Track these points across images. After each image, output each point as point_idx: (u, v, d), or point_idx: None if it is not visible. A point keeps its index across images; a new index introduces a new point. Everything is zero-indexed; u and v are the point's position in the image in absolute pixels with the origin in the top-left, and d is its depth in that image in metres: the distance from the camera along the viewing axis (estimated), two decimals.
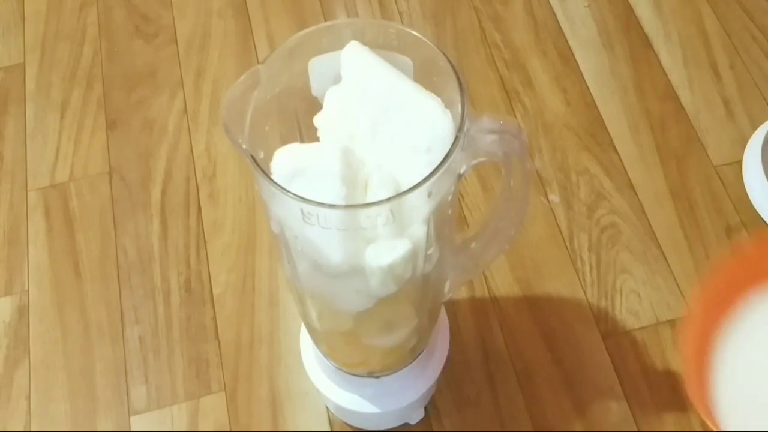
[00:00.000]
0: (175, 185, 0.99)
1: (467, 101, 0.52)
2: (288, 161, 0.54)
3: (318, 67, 0.58)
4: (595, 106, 1.03)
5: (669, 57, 1.07)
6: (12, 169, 1.01)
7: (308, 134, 0.58)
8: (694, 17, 1.10)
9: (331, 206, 0.49)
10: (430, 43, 0.56)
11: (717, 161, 0.98)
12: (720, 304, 0.52)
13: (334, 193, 0.51)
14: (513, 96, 1.04)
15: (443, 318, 0.79)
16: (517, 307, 0.89)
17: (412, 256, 0.54)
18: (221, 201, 0.98)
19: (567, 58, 1.07)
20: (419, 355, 0.73)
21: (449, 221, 0.60)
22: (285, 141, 0.57)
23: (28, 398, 0.86)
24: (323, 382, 0.77)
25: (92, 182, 0.99)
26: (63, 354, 0.88)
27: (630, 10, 1.11)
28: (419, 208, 0.52)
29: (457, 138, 0.51)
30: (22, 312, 0.91)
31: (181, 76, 1.08)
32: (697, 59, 1.07)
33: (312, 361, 0.78)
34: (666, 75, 1.05)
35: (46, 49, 1.11)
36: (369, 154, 0.54)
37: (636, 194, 0.96)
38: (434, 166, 0.50)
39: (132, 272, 0.93)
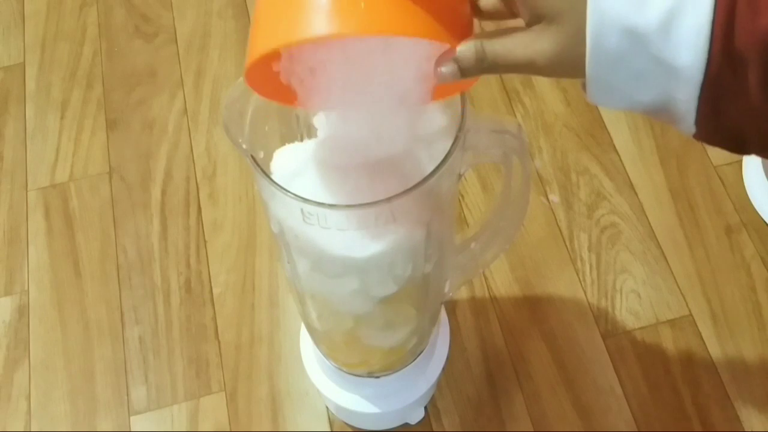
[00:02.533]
0: (175, 185, 0.99)
1: (467, 101, 0.52)
2: (288, 161, 0.54)
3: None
4: (595, 106, 1.03)
5: None
6: (12, 169, 1.01)
7: (308, 134, 0.58)
8: None
9: (331, 206, 0.49)
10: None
11: (717, 161, 0.98)
12: None
13: (333, 193, 0.51)
14: (513, 96, 1.04)
15: (443, 318, 0.79)
16: (517, 307, 0.89)
17: (412, 255, 0.54)
18: (221, 201, 0.98)
19: None
20: (419, 355, 0.73)
21: (449, 221, 0.60)
22: (285, 141, 0.56)
23: (28, 398, 0.86)
24: (323, 382, 0.77)
25: (92, 182, 0.99)
26: (63, 354, 0.88)
27: None
28: (419, 207, 0.52)
29: (457, 137, 0.51)
30: (22, 312, 0.91)
31: (181, 76, 1.08)
32: None
33: (312, 361, 0.78)
34: None
35: (46, 49, 1.11)
36: (369, 156, 0.54)
37: (636, 194, 0.96)
38: (435, 161, 0.50)
39: (132, 272, 0.93)
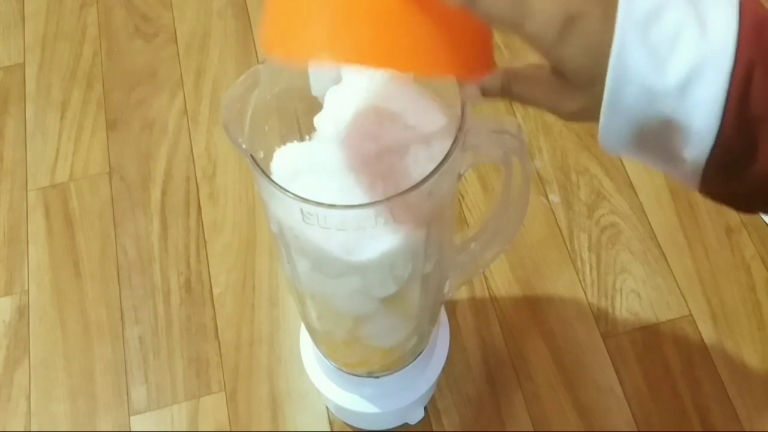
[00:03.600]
0: (175, 185, 0.99)
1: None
2: (288, 161, 0.54)
3: (318, 67, 0.57)
4: None
5: None
6: (12, 169, 1.01)
7: (308, 134, 0.58)
8: None
9: (331, 206, 0.49)
10: None
11: None
12: None
13: (333, 193, 0.51)
14: None
15: (443, 318, 0.79)
16: (517, 307, 0.89)
17: (412, 255, 0.54)
18: (221, 201, 0.98)
19: None
20: (419, 355, 0.73)
21: (449, 221, 0.60)
22: (285, 141, 0.56)
23: (28, 398, 0.86)
24: (323, 382, 0.77)
25: (92, 182, 0.99)
26: (63, 354, 0.88)
27: None
28: (419, 207, 0.52)
29: (456, 137, 0.51)
30: (22, 312, 0.91)
31: (181, 76, 1.08)
32: None
33: (312, 361, 0.78)
34: None
35: (46, 49, 1.11)
36: (369, 155, 0.54)
37: (636, 194, 0.96)
38: (435, 161, 0.50)
39: (132, 272, 0.93)
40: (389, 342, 0.66)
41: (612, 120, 0.40)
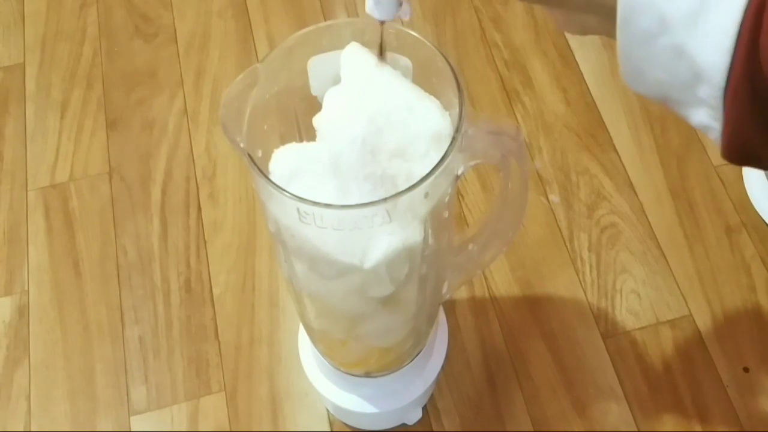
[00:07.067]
0: (175, 185, 0.99)
1: (465, 102, 0.52)
2: (287, 161, 0.54)
3: (317, 66, 0.58)
4: (595, 106, 1.03)
5: None
6: (12, 169, 1.01)
7: (307, 134, 0.58)
8: None
9: (327, 206, 0.49)
10: (429, 44, 0.56)
11: (717, 161, 0.98)
12: None
13: (331, 193, 0.51)
14: (513, 96, 1.04)
15: (441, 318, 0.79)
16: (517, 307, 0.89)
17: (409, 256, 0.54)
18: (221, 201, 0.98)
19: (567, 58, 1.07)
20: (417, 355, 0.73)
21: (447, 222, 0.60)
22: (284, 140, 0.57)
23: (28, 398, 0.86)
24: (321, 381, 0.77)
25: (92, 182, 0.99)
26: (63, 354, 0.88)
27: None
28: (416, 208, 0.52)
29: (454, 139, 0.51)
30: (22, 312, 0.91)
31: (181, 76, 1.08)
32: None
33: (310, 361, 0.78)
34: None
35: (46, 49, 1.11)
36: (367, 156, 0.54)
37: (636, 194, 0.96)
38: (432, 163, 0.50)
39: (132, 272, 0.93)
40: (386, 342, 0.66)
41: (628, 46, 0.38)
